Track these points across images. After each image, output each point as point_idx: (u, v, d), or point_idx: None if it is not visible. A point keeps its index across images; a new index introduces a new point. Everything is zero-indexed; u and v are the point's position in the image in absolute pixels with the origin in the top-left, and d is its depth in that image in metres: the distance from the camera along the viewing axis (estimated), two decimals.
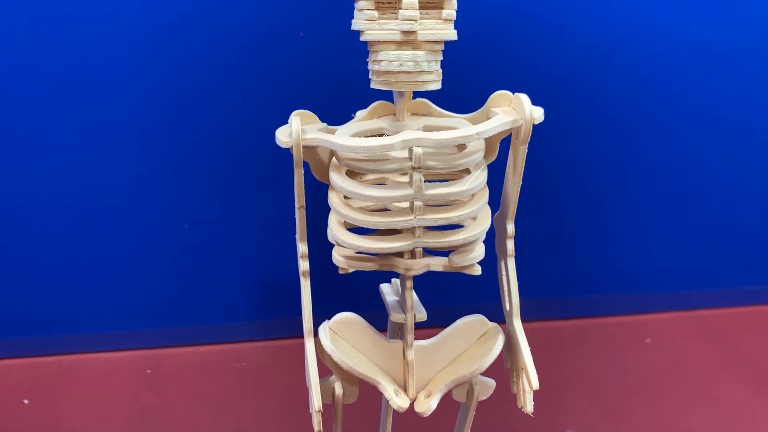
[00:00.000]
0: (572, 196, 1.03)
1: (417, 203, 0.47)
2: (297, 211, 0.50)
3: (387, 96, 0.51)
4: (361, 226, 0.49)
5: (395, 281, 0.59)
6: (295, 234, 0.52)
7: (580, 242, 1.06)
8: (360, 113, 0.52)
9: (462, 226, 0.50)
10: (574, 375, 0.97)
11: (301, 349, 1.02)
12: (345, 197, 0.49)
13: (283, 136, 0.47)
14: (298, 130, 0.46)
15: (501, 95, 0.50)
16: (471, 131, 0.46)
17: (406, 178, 0.49)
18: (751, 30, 0.98)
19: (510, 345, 0.55)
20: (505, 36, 0.91)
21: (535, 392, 0.92)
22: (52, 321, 0.98)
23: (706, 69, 0.99)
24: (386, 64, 0.46)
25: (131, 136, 0.91)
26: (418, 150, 0.45)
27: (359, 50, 0.83)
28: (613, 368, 0.99)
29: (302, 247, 0.52)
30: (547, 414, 0.89)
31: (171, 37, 0.87)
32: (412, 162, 0.46)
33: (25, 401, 0.91)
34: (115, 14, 0.85)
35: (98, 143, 0.91)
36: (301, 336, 1.07)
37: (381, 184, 0.50)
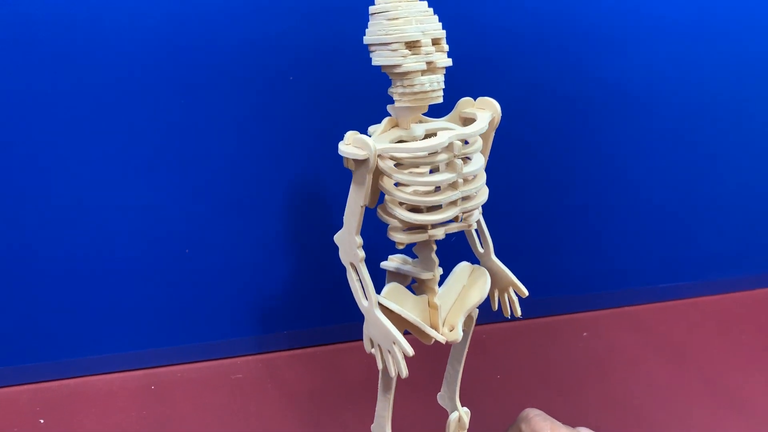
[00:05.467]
0: (516, 210, 1.19)
1: (459, 180, 0.64)
2: (360, 209, 0.63)
3: (384, 111, 0.67)
4: (428, 204, 0.64)
5: (399, 256, 0.74)
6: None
7: (521, 251, 1.22)
8: (374, 128, 0.67)
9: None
10: (529, 365, 1.13)
11: (292, 359, 1.13)
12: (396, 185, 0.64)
13: (358, 150, 0.60)
14: (374, 144, 0.60)
15: (466, 101, 0.69)
16: (482, 125, 0.65)
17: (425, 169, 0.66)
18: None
19: (492, 274, 0.75)
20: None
21: (499, 380, 1.08)
22: (55, 347, 1.05)
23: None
24: (419, 86, 0.62)
25: (135, 166, 1.00)
26: (458, 143, 0.63)
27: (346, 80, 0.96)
28: (559, 358, 1.16)
29: (359, 239, 0.65)
30: (509, 397, 1.04)
31: (174, 71, 0.97)
32: (454, 151, 0.63)
33: (41, 421, 0.98)
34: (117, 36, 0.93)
35: (102, 173, 0.99)
36: (289, 348, 1.18)
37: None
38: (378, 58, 0.63)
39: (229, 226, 1.07)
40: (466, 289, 0.72)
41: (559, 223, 1.23)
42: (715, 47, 1.18)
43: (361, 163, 0.61)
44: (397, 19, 0.61)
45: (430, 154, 0.63)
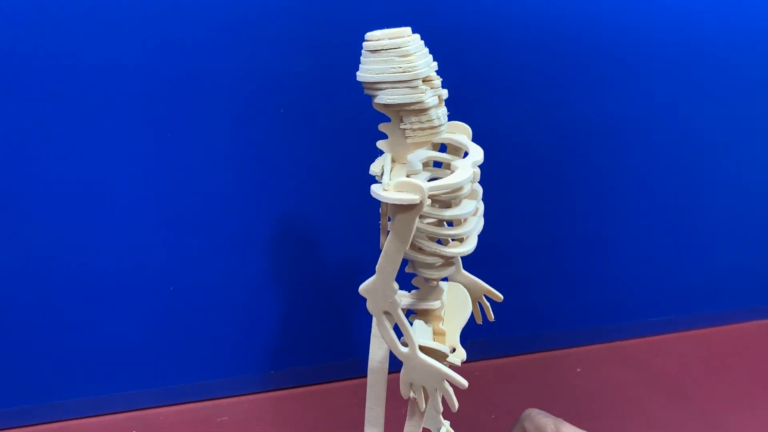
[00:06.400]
0: (508, 245, 1.17)
1: (477, 205, 0.64)
2: (401, 256, 0.60)
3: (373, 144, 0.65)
4: (461, 236, 0.64)
5: (399, 291, 0.72)
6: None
7: (513, 287, 1.20)
8: (379, 167, 0.64)
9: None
10: (522, 401, 1.10)
11: (278, 400, 1.10)
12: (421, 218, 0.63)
13: (411, 195, 0.57)
14: (426, 186, 0.57)
15: None
16: (479, 149, 0.65)
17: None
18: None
19: (465, 286, 0.75)
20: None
21: (491, 421, 1.05)
22: (31, 390, 1.01)
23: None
24: (436, 120, 0.61)
25: (118, 204, 0.97)
26: (476, 170, 0.63)
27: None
28: (553, 394, 1.13)
29: (396, 286, 0.62)
30: None
31: (162, 103, 0.94)
32: (475, 179, 0.63)
33: None
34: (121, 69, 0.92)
35: (84, 209, 0.96)
36: (276, 389, 1.15)
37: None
38: (392, 96, 0.59)
39: (215, 265, 1.03)
40: (450, 308, 0.73)
41: (551, 258, 1.21)
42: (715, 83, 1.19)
43: (412, 207, 0.57)
44: (409, 55, 0.58)
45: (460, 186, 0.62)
